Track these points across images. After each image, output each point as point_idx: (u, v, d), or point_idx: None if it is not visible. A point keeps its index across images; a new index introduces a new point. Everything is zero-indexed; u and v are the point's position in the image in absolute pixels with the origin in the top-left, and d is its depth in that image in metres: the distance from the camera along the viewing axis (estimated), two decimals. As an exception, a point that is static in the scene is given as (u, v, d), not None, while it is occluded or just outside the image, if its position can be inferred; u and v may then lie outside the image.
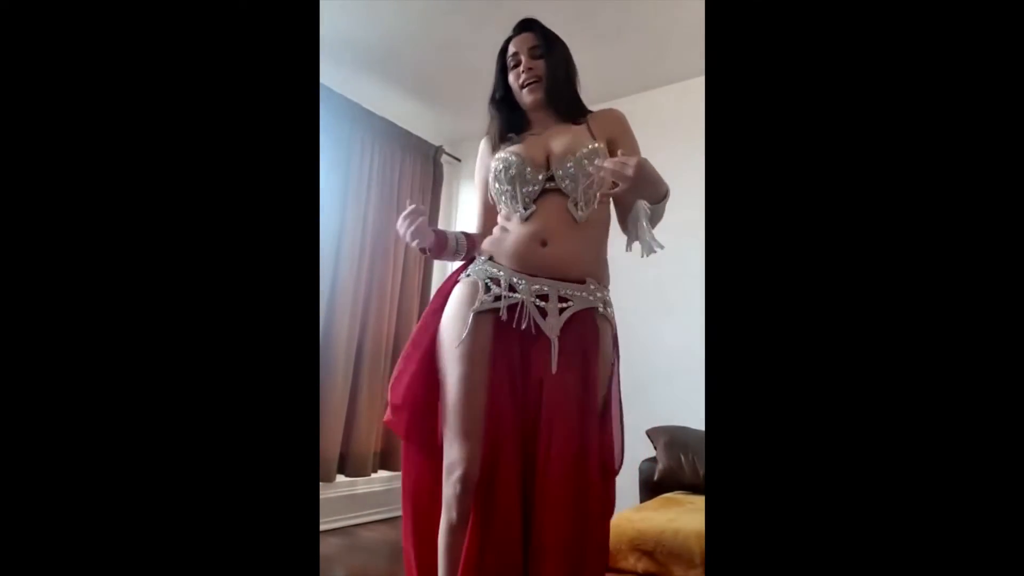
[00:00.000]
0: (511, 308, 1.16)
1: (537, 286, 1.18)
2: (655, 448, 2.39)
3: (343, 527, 2.84)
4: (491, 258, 1.25)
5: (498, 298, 1.17)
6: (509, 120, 1.36)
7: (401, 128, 3.37)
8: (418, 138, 3.49)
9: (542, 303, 1.17)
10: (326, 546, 2.49)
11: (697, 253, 2.75)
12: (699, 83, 2.95)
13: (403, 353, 1.27)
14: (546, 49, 1.33)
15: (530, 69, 1.31)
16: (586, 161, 1.20)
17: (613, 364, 1.23)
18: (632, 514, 1.84)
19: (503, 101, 1.37)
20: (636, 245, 1.26)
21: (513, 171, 1.24)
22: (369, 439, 3.00)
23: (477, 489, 1.09)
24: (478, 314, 1.17)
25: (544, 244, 1.20)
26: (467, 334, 1.16)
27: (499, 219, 1.31)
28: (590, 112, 1.35)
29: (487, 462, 1.10)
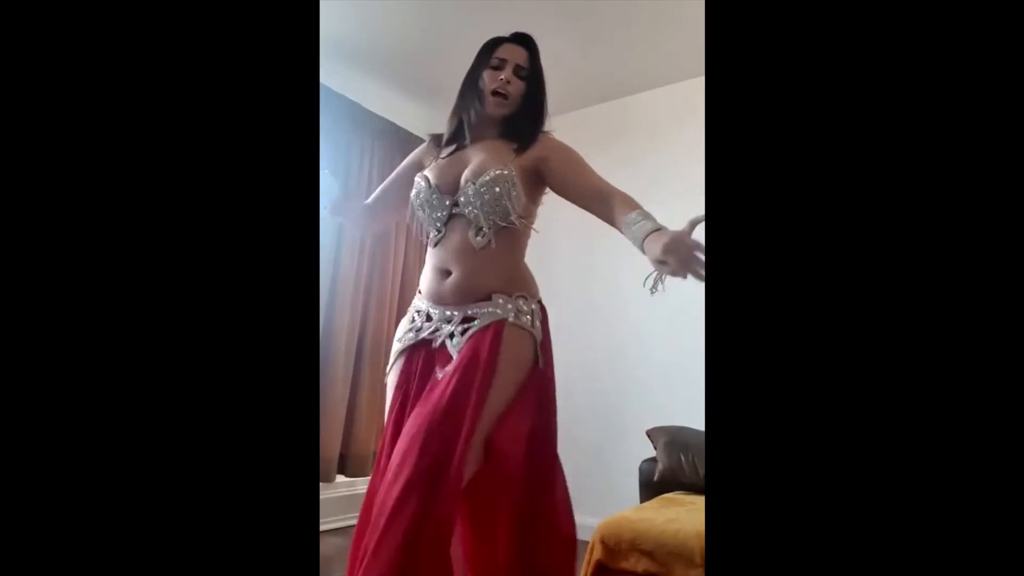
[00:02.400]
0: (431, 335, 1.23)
1: (448, 312, 1.23)
2: (655, 448, 2.39)
3: (343, 527, 2.84)
4: (420, 291, 1.31)
5: (418, 330, 1.26)
6: (458, 128, 1.36)
7: (401, 128, 3.36)
8: (418, 138, 3.49)
9: (450, 327, 1.21)
10: (326, 546, 2.49)
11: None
12: (699, 83, 2.95)
13: None
14: (530, 75, 1.32)
15: (508, 83, 1.29)
16: (484, 188, 1.20)
17: (530, 366, 1.21)
18: (632, 514, 1.84)
19: (468, 98, 1.34)
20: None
21: (422, 197, 1.28)
22: (369, 439, 3.00)
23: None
24: (402, 349, 1.27)
25: (447, 275, 1.24)
26: (392, 367, 1.29)
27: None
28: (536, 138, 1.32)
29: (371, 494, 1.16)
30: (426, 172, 1.31)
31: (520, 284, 1.26)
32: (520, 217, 1.22)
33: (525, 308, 1.23)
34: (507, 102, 1.29)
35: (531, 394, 1.20)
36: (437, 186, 1.27)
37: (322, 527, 2.74)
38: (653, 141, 3.12)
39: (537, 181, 1.28)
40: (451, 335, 1.20)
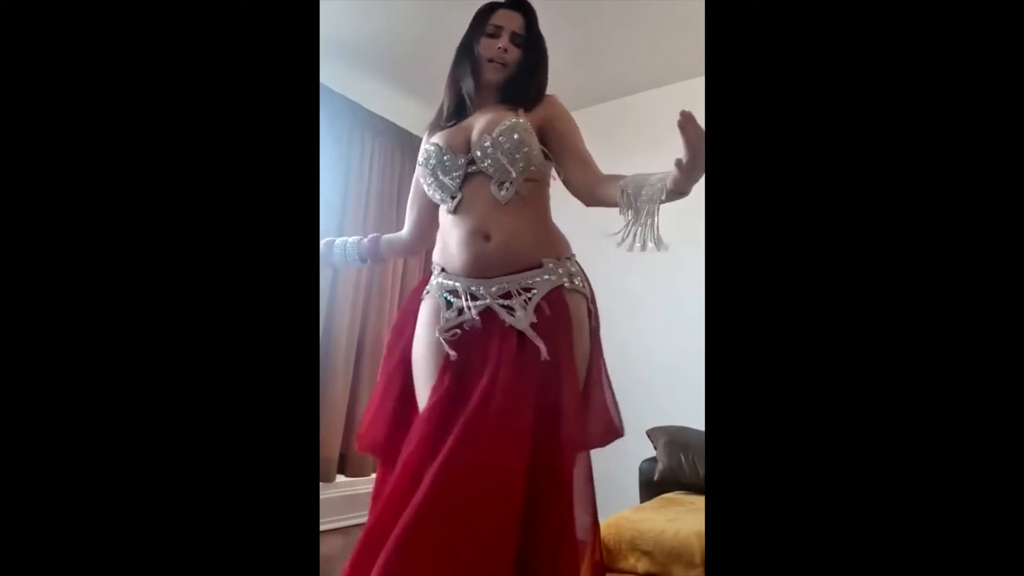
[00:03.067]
0: (482, 314, 1.12)
1: (496, 287, 1.13)
2: (655, 448, 2.39)
3: (343, 527, 2.84)
4: (443, 270, 1.20)
5: (461, 311, 1.13)
6: (458, 100, 1.29)
7: (401, 128, 3.36)
8: (418, 138, 3.48)
9: (506, 301, 1.12)
10: (326, 546, 2.49)
11: (696, 252, 2.75)
12: (698, 83, 2.95)
13: (376, 386, 1.28)
14: (527, 42, 1.27)
15: (504, 51, 1.24)
16: (503, 138, 1.14)
17: (593, 333, 1.19)
18: (632, 514, 1.84)
19: (463, 66, 1.28)
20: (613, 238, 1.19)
21: (433, 161, 1.21)
22: (369, 439, 2.99)
23: None
24: (449, 330, 1.13)
25: (486, 239, 1.14)
26: (431, 355, 1.14)
27: (440, 220, 1.25)
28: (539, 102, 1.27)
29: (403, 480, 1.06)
30: (434, 139, 1.24)
31: (562, 245, 1.22)
32: (543, 165, 1.16)
33: (575, 269, 1.20)
34: (504, 69, 1.25)
35: (597, 354, 1.20)
36: (448, 146, 1.20)
37: (322, 527, 2.74)
38: (652, 142, 3.12)
39: (542, 142, 1.21)
40: (510, 310, 1.10)
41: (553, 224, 1.24)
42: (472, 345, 1.12)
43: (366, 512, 3.27)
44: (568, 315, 1.13)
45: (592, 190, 1.18)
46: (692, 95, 2.92)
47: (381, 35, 2.80)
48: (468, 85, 1.27)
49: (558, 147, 1.21)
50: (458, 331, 1.13)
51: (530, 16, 1.29)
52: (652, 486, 2.34)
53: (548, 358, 1.06)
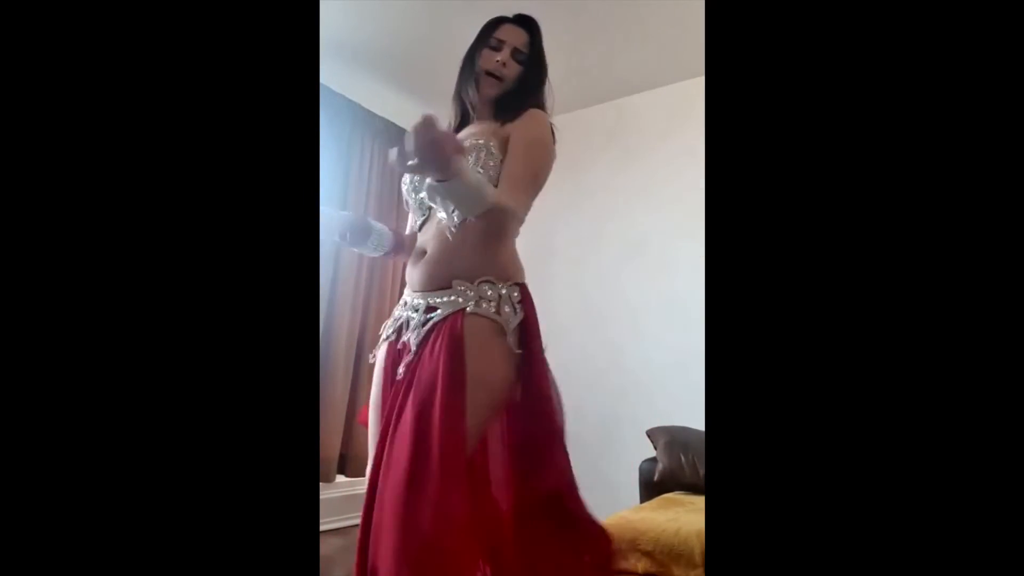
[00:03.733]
0: (402, 328, 1.19)
1: (417, 299, 1.18)
2: (655, 448, 2.39)
3: (343, 527, 2.84)
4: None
5: (396, 320, 1.22)
6: (462, 112, 1.32)
7: (401, 128, 3.36)
8: (418, 138, 3.49)
9: (416, 315, 1.16)
10: (326, 546, 2.49)
11: (696, 252, 2.75)
12: (695, 84, 2.96)
13: None
14: (529, 59, 1.28)
15: (503, 66, 1.25)
16: (472, 158, 1.15)
17: (503, 355, 1.11)
18: (632, 514, 1.84)
19: (465, 78, 1.30)
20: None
21: (408, 181, 1.26)
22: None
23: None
24: (383, 340, 1.24)
25: (422, 255, 1.19)
26: (377, 359, 1.25)
27: None
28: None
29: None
30: None
31: (488, 268, 1.15)
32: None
33: (490, 293, 1.13)
34: (501, 84, 1.25)
35: (521, 382, 1.12)
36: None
37: (322, 527, 2.74)
38: (648, 143, 3.13)
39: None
40: (411, 326, 1.15)
41: (504, 247, 1.20)
42: (396, 358, 1.19)
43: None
44: (455, 341, 1.08)
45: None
46: (692, 95, 2.93)
47: (381, 35, 2.80)
48: (469, 97, 1.29)
49: (505, 162, 1.19)
50: (393, 342, 1.21)
51: (534, 33, 1.29)
52: (652, 486, 2.34)
53: (401, 374, 1.11)
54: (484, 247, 1.17)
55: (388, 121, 3.30)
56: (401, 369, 1.14)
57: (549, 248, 3.17)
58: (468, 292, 1.13)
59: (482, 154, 1.16)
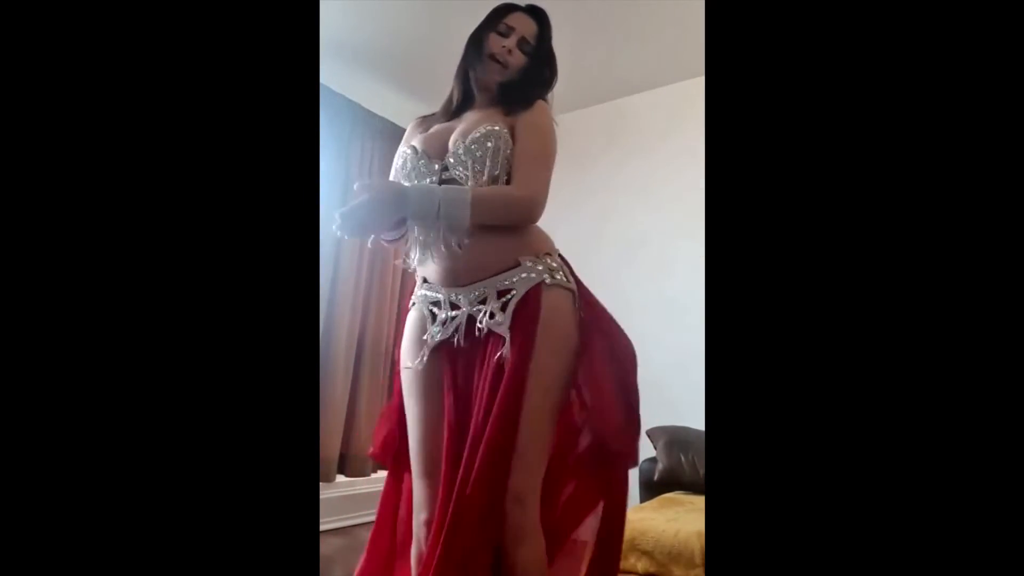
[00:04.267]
0: (468, 322, 1.12)
1: (475, 293, 1.12)
2: (655, 448, 2.39)
3: (343, 527, 2.84)
4: (425, 280, 1.20)
5: (444, 322, 1.14)
6: (464, 91, 1.28)
7: (401, 128, 3.36)
8: (418, 138, 3.49)
9: (484, 307, 1.10)
10: (326, 546, 2.49)
11: (696, 252, 2.75)
12: (694, 84, 2.96)
13: (392, 397, 1.28)
14: (535, 51, 1.26)
15: (508, 53, 1.22)
16: (475, 145, 1.13)
17: (584, 327, 1.13)
18: (632, 514, 1.84)
19: (470, 59, 1.27)
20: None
21: (408, 166, 1.20)
22: (369, 439, 3.00)
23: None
24: (435, 347, 1.14)
25: (460, 246, 1.11)
26: (419, 370, 1.15)
27: None
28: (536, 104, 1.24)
29: (445, 502, 1.04)
30: (412, 142, 1.24)
31: (541, 242, 1.17)
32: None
33: (556, 264, 1.14)
34: (505, 71, 1.23)
35: (592, 345, 1.13)
36: (425, 151, 1.19)
37: (322, 527, 2.74)
38: (648, 143, 3.13)
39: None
40: (491, 315, 1.09)
41: (536, 227, 1.20)
42: (463, 357, 1.13)
43: (366, 512, 3.27)
44: (537, 313, 1.08)
45: None
46: (692, 95, 2.93)
47: (381, 35, 2.80)
48: (474, 76, 1.25)
49: (514, 154, 1.17)
50: (450, 344, 1.14)
51: (544, 26, 1.27)
52: (652, 486, 2.34)
53: (508, 357, 1.06)
54: (523, 227, 1.17)
55: (388, 121, 3.30)
56: (497, 356, 1.07)
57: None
58: (538, 266, 1.12)
59: (500, 141, 1.14)
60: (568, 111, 3.22)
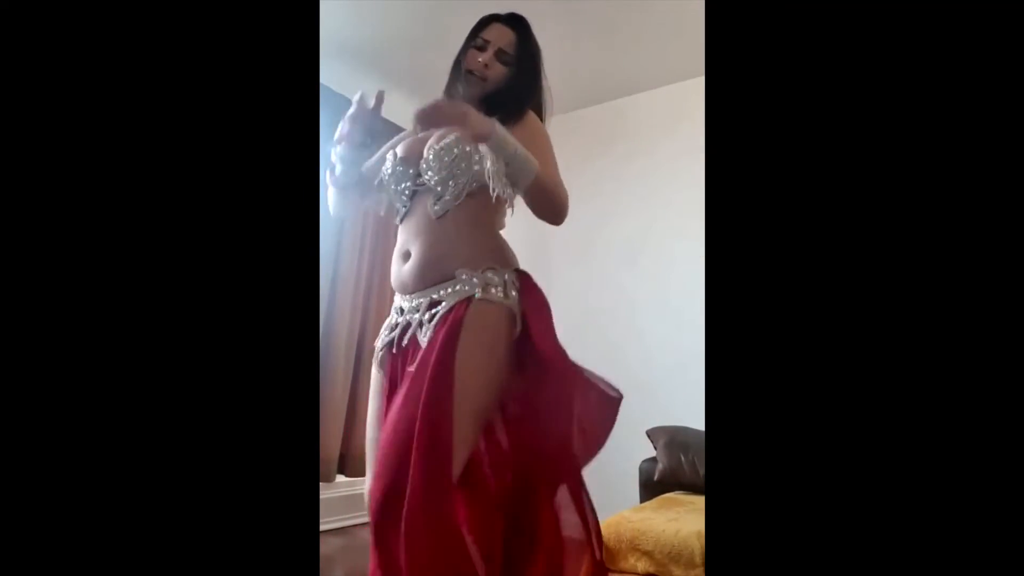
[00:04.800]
0: (404, 334, 1.15)
1: (416, 302, 1.14)
2: (655, 448, 2.39)
3: (343, 527, 2.84)
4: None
5: (391, 328, 1.19)
6: None
7: (401, 128, 3.36)
8: (418, 138, 3.49)
9: (419, 316, 1.13)
10: (326, 546, 2.49)
11: (695, 252, 2.75)
12: (691, 85, 2.96)
13: None
14: (516, 60, 1.25)
15: (485, 67, 1.23)
16: (443, 151, 1.14)
17: (508, 339, 1.10)
18: (632, 514, 1.84)
19: (452, 76, 1.29)
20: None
21: (389, 170, 1.23)
22: (369, 439, 3.00)
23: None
24: (380, 348, 1.20)
25: (407, 257, 1.16)
26: (373, 372, 1.21)
27: None
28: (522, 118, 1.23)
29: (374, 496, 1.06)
30: (396, 148, 1.27)
31: (488, 255, 1.14)
32: (492, 182, 1.10)
33: (495, 279, 1.11)
34: (484, 84, 1.23)
35: (522, 366, 1.10)
36: (403, 158, 1.22)
37: (322, 527, 2.74)
38: (648, 143, 3.13)
39: None
40: (420, 324, 1.12)
41: (494, 236, 1.20)
42: (401, 365, 1.16)
43: (366, 512, 3.27)
44: (457, 328, 1.07)
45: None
46: (692, 95, 2.93)
47: (381, 35, 2.80)
48: (459, 95, 1.26)
49: None
50: (392, 349, 1.18)
51: (523, 33, 1.26)
52: (652, 486, 2.34)
53: (411, 370, 1.07)
54: (483, 234, 1.16)
55: (388, 121, 3.30)
56: (411, 369, 1.10)
57: (549, 248, 3.17)
58: (472, 279, 1.11)
59: (470, 147, 1.13)
60: (568, 111, 3.22)
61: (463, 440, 1.02)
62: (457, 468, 1.01)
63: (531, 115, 1.23)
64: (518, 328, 1.12)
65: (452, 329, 1.06)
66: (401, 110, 3.33)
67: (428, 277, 1.14)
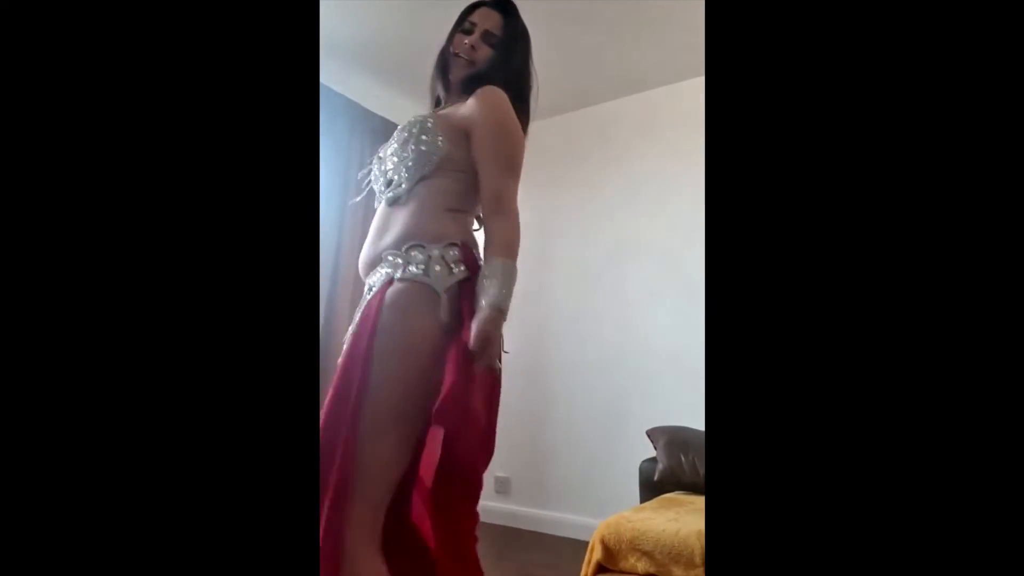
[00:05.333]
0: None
1: (366, 288, 1.14)
2: (655, 448, 2.39)
3: (343, 527, 2.83)
4: None
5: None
6: (434, 97, 1.31)
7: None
8: (418, 138, 3.48)
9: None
10: (326, 546, 2.48)
11: (695, 253, 2.75)
12: (699, 83, 2.96)
13: None
14: (502, 42, 1.23)
15: (472, 49, 1.21)
16: (396, 138, 1.14)
17: (427, 319, 1.02)
18: (632, 514, 1.84)
19: (438, 61, 1.29)
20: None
21: (376, 168, 1.26)
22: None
23: None
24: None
25: (368, 241, 1.17)
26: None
27: None
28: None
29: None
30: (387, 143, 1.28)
31: (418, 234, 1.07)
32: (444, 161, 1.09)
33: (418, 256, 1.05)
34: (470, 66, 1.22)
35: (445, 348, 1.02)
36: (379, 156, 1.25)
37: (322, 527, 2.73)
38: (647, 143, 3.12)
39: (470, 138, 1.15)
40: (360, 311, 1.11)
41: (434, 216, 1.11)
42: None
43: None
44: (375, 311, 1.02)
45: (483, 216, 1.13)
46: (691, 95, 2.93)
47: (381, 35, 2.80)
48: (440, 81, 1.28)
49: (475, 154, 1.14)
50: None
51: (510, 15, 1.26)
52: (652, 486, 2.34)
53: (345, 360, 1.03)
54: (420, 217, 1.11)
55: (388, 120, 3.30)
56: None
57: (550, 248, 3.17)
58: (396, 260, 1.06)
59: (416, 130, 1.13)
60: (563, 112, 3.22)
61: (373, 453, 0.96)
62: (378, 486, 0.96)
63: (485, 89, 1.16)
64: (445, 305, 1.03)
65: (368, 316, 1.02)
66: (400, 109, 3.33)
67: (369, 263, 1.13)
